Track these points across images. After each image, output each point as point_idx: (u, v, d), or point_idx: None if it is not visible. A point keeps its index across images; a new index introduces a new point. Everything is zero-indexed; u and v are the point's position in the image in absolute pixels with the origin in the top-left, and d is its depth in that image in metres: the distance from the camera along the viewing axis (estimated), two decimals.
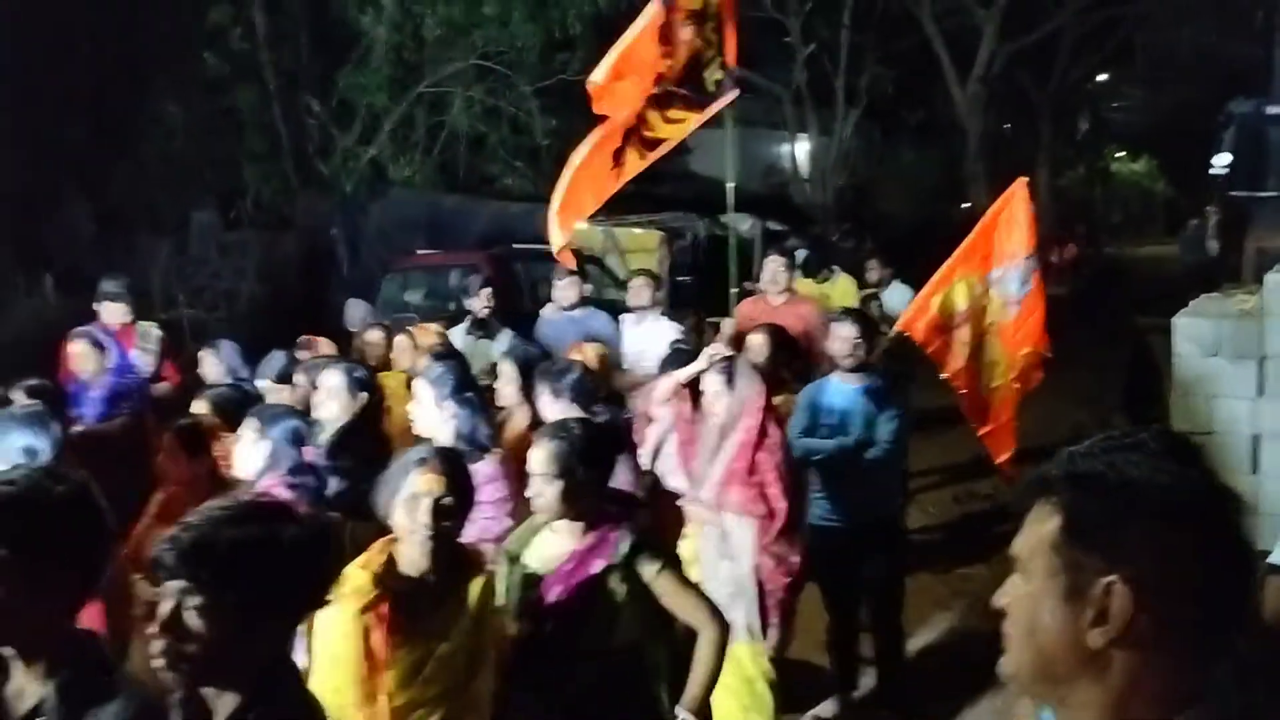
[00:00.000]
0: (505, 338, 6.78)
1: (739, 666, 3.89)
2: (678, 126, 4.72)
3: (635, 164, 4.77)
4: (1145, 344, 8.55)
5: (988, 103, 23.68)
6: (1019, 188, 5.10)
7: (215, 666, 1.71)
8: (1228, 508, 1.21)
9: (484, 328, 6.82)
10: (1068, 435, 1.32)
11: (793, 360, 5.22)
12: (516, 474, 3.88)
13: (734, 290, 5.07)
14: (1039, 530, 1.25)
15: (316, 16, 15.15)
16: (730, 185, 5.15)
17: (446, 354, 4.98)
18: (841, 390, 4.70)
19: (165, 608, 1.70)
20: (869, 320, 4.94)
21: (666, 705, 3.12)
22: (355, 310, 7.66)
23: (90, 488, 1.87)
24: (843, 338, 4.69)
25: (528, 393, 4.47)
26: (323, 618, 2.36)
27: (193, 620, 1.68)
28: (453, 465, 2.75)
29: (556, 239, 4.91)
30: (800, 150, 24.34)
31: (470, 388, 3.95)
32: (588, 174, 4.75)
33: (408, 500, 2.64)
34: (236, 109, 14.83)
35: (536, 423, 4.36)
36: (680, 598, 2.89)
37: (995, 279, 5.05)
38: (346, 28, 14.83)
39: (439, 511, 2.62)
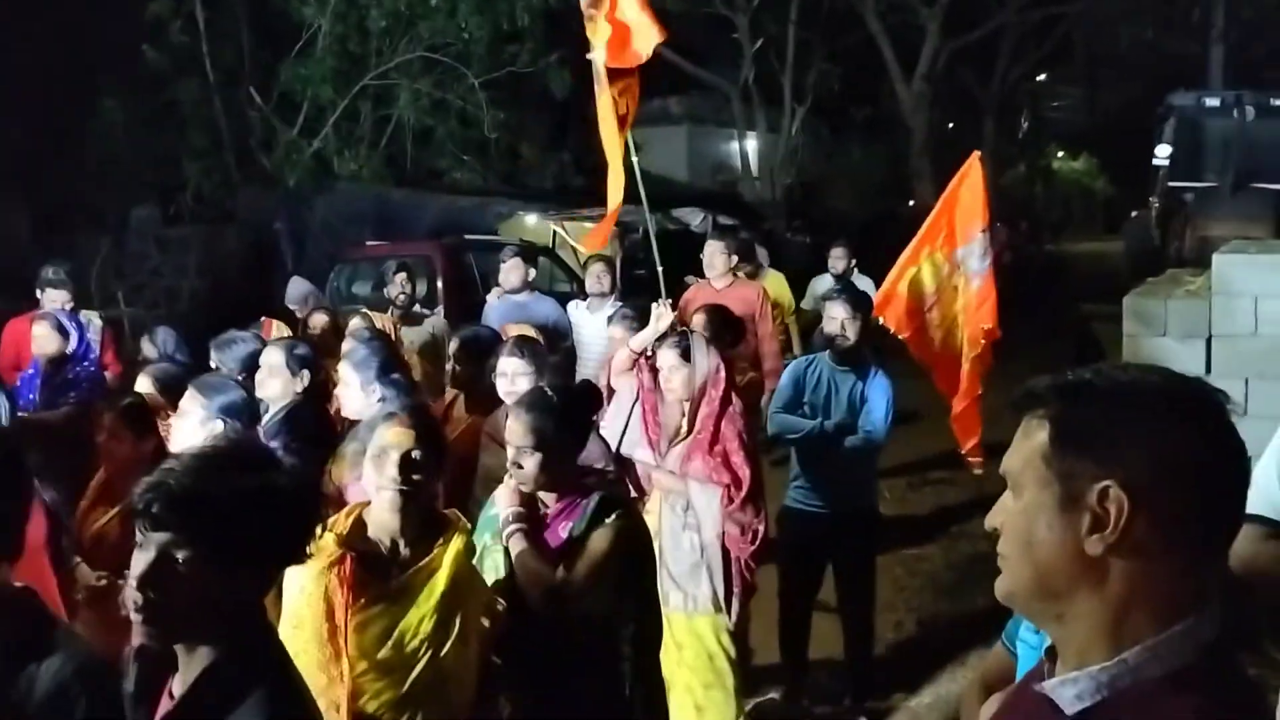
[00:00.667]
0: (432, 322, 6.75)
1: (700, 641, 3.85)
2: (633, 94, 4.64)
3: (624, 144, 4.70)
4: (1089, 330, 8.69)
5: (932, 101, 23.97)
6: (973, 162, 5.11)
7: (194, 621, 1.63)
8: (1219, 406, 1.19)
9: (405, 314, 6.76)
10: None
11: (736, 340, 5.17)
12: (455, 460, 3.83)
13: (660, 269, 5.01)
14: (1028, 444, 1.23)
15: (258, 8, 14.89)
16: (635, 161, 5.01)
17: (371, 336, 4.89)
18: (828, 371, 4.57)
19: (146, 559, 1.60)
20: (862, 300, 4.76)
21: (631, 679, 3.06)
22: (296, 288, 7.36)
23: (10, 436, 1.79)
24: (832, 317, 4.57)
25: (471, 373, 4.40)
26: (288, 577, 2.27)
27: (177, 573, 1.59)
28: (423, 420, 2.67)
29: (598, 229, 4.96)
30: (749, 147, 24.45)
31: (396, 369, 3.89)
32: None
33: (376, 455, 2.54)
34: (177, 103, 14.53)
35: (475, 405, 4.29)
36: (592, 556, 2.74)
37: (960, 258, 5.05)
38: (289, 19, 14.60)
39: (408, 465, 2.52)
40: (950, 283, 5.15)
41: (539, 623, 2.75)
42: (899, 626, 5.56)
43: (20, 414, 4.82)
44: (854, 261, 8.48)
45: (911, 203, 23.16)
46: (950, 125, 30.22)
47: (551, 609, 2.72)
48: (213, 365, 4.56)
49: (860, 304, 4.66)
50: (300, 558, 1.78)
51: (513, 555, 2.74)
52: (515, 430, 2.83)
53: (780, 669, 4.71)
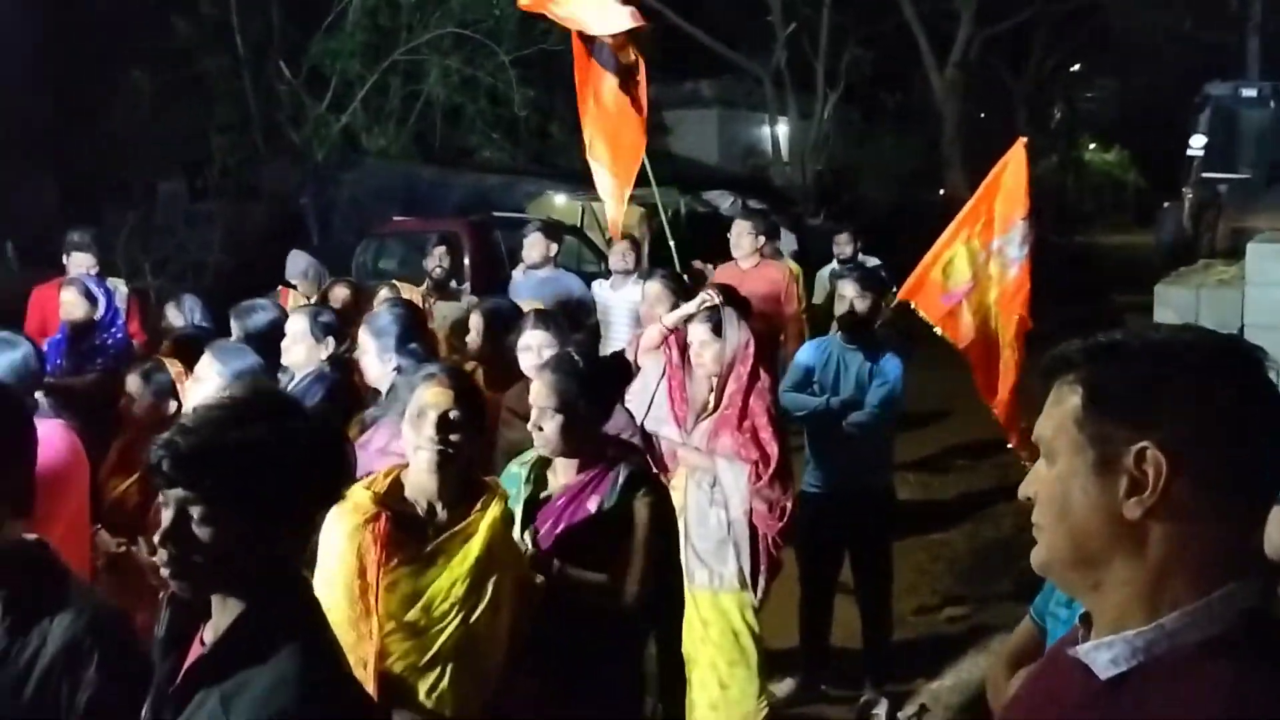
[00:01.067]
0: (469, 300, 6.70)
1: (726, 618, 3.83)
2: (638, 47, 4.65)
3: (642, 93, 4.68)
4: (1122, 321, 8.57)
5: (965, 89, 23.75)
6: (1018, 148, 5.01)
7: (222, 573, 1.62)
8: (1257, 361, 1.15)
9: (441, 288, 6.70)
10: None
11: (746, 319, 5.14)
12: None
13: (672, 242, 5.09)
14: (1060, 409, 1.20)
15: None
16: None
17: (395, 304, 4.86)
18: (838, 350, 4.58)
19: (168, 517, 1.60)
20: (873, 280, 4.75)
21: (654, 658, 3.03)
22: (296, 263, 7.17)
23: (15, 392, 1.78)
24: (842, 295, 4.60)
25: (492, 346, 4.38)
26: (323, 532, 2.26)
27: (197, 529, 1.59)
28: (463, 381, 2.63)
29: (613, 211, 4.96)
30: (780, 132, 24.32)
31: (416, 339, 3.84)
32: (621, 128, 4.68)
33: (414, 415, 2.51)
34: (206, 76, 14.55)
35: (494, 379, 4.27)
36: (639, 545, 2.76)
37: (996, 249, 4.95)
38: None
39: (446, 425, 2.48)
40: (986, 271, 5.05)
41: (560, 597, 2.73)
42: (921, 610, 5.53)
43: (47, 379, 4.85)
44: (859, 244, 8.45)
45: (942, 191, 22.96)
46: (982, 114, 29.94)
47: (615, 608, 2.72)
48: (233, 334, 4.56)
49: (870, 282, 4.65)
50: (328, 504, 1.77)
51: (563, 583, 2.71)
52: (539, 391, 2.79)
53: (796, 652, 4.69)
